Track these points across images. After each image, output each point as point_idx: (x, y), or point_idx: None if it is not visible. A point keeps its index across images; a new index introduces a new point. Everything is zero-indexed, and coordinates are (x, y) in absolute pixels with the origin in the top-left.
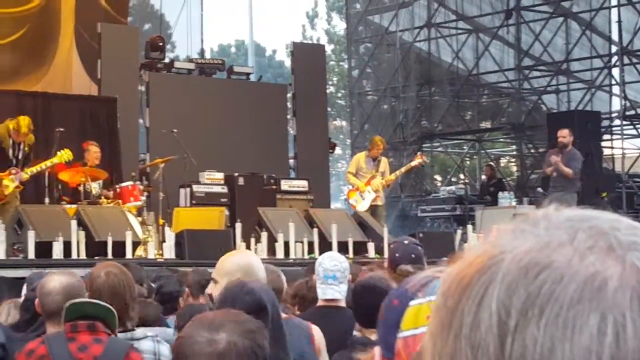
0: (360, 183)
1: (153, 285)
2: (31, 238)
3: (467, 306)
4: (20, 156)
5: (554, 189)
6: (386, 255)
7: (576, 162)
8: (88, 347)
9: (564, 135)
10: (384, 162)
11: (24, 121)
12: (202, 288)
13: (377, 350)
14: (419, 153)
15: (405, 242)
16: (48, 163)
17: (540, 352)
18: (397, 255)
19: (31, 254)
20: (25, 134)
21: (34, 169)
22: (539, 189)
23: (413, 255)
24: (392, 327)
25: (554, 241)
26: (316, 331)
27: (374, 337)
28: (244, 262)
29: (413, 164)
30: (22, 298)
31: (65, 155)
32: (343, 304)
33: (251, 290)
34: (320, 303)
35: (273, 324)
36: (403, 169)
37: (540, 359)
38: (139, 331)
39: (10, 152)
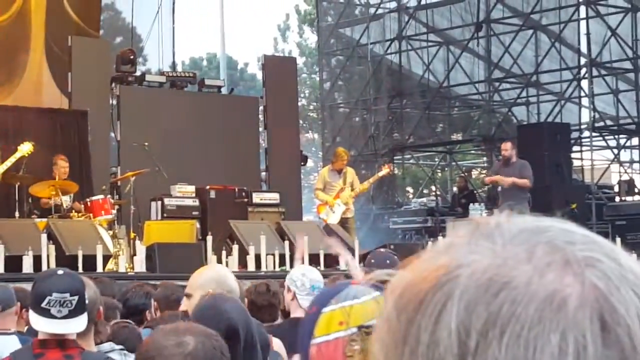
0: (329, 197)
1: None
2: (0, 252)
3: (424, 323)
4: None
5: (506, 200)
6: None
7: (529, 172)
8: None
9: (507, 148)
10: (351, 173)
11: None
12: (170, 302)
13: (295, 358)
14: (386, 164)
15: (382, 250)
16: (12, 159)
17: None
18: (372, 261)
19: (0, 268)
20: None
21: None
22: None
23: (388, 262)
24: (309, 334)
25: (511, 258)
26: (276, 343)
27: None
28: (215, 274)
29: (381, 174)
30: None
31: (26, 147)
32: None
33: (223, 311)
34: (298, 315)
35: (246, 344)
36: (371, 180)
37: None
38: (106, 345)
39: None
